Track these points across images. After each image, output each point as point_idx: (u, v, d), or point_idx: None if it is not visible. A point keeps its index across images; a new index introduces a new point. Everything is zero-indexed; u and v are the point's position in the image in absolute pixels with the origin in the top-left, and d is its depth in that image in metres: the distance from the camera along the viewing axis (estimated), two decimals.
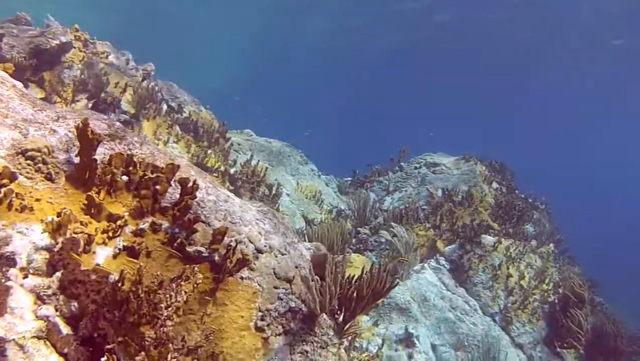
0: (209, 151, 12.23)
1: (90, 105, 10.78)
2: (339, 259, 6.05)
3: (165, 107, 12.60)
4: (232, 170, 11.98)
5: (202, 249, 4.63)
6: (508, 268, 11.56)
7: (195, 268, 4.18)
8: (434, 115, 77.40)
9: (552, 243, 14.84)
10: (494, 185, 15.04)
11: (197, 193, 4.96)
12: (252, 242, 5.06)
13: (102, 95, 10.95)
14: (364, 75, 62.03)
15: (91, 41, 12.36)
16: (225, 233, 4.67)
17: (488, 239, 11.88)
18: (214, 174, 11.10)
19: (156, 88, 12.60)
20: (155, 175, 4.71)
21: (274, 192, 12.05)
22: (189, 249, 4.57)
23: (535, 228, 14.72)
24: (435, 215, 12.78)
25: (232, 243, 4.70)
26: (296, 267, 5.37)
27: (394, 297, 9.99)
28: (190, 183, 4.73)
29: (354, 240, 11.98)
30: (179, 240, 4.52)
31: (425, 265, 11.43)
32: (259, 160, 12.49)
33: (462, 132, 74.39)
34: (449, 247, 11.86)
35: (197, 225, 4.77)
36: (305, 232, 11.45)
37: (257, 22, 46.93)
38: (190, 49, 64.12)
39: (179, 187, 4.76)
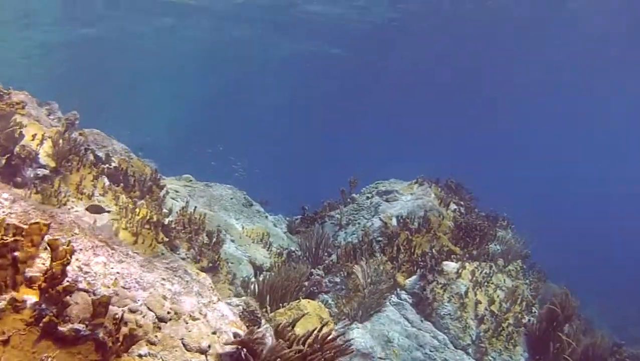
0: (140, 201, 11.19)
1: (3, 161, 9.67)
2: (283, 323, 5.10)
3: (91, 157, 11.56)
4: (167, 220, 10.93)
5: (80, 326, 3.62)
6: (476, 294, 10.73)
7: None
8: (383, 136, 77.34)
9: (520, 259, 14.13)
10: (452, 206, 14.32)
11: (81, 255, 3.95)
12: (151, 310, 4.06)
13: (16, 149, 9.85)
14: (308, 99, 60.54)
15: (5, 92, 11.32)
16: (108, 303, 3.67)
17: (450, 266, 11.06)
18: (146, 226, 10.04)
19: (79, 138, 11.57)
20: (13, 238, 3.70)
21: (214, 239, 11.01)
22: (62, 328, 3.55)
23: (501, 246, 13.93)
24: (392, 246, 11.89)
25: (117, 315, 3.69)
26: (214, 333, 4.38)
27: (353, 343, 8.98)
28: (65, 246, 3.72)
29: (306, 283, 10.99)
30: (46, 318, 3.50)
31: (386, 301, 10.48)
32: (195, 207, 11.45)
33: (416, 152, 74.68)
34: (410, 279, 10.97)
35: (77, 296, 3.76)
36: (253, 281, 10.47)
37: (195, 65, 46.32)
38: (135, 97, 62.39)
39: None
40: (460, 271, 10.85)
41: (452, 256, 11.86)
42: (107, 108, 64.00)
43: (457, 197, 15.42)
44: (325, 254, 12.77)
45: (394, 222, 12.83)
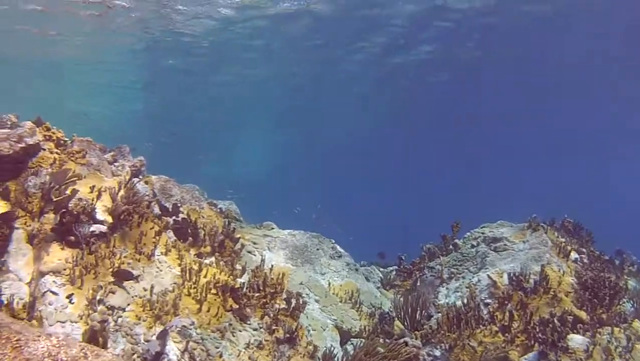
0: (209, 259, 9.92)
1: (57, 218, 8.71)
2: None
3: (156, 209, 10.45)
4: (240, 280, 9.59)
5: None
6: None
7: None
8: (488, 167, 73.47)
9: None
10: (572, 255, 12.17)
11: None
12: None
13: (71, 205, 8.84)
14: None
15: (65, 139, 10.51)
16: None
17: (578, 340, 9.08)
18: (212, 291, 8.72)
19: (142, 188, 10.50)
20: None
21: (293, 304, 9.52)
22: None
23: (633, 302, 11.66)
24: (503, 312, 9.98)
25: None
26: None
27: None
28: None
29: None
30: None
31: None
32: (272, 266, 10.01)
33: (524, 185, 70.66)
34: (526, 357, 9.02)
35: None
36: (336, 355, 8.96)
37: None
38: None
39: None
40: (590, 349, 8.80)
41: (578, 325, 9.79)
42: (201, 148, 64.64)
43: (576, 241, 13.25)
44: (425, 317, 11.01)
45: (505, 279, 10.90)
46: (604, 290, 10.66)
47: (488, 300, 10.67)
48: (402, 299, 11.79)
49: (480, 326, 9.80)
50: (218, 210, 13.99)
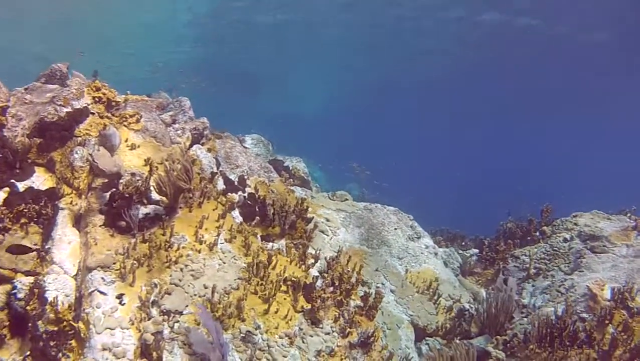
0: (279, 243, 9.10)
1: (106, 199, 7.91)
2: None
3: (220, 184, 9.60)
4: (313, 272, 8.78)
5: None
6: None
7: None
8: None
9: None
10: None
11: None
12: None
13: (121, 184, 8.02)
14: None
15: (118, 100, 9.57)
16: None
17: None
18: (282, 288, 7.94)
19: (205, 158, 9.62)
20: None
21: (371, 301, 8.68)
22: None
23: None
24: (602, 333, 8.93)
25: None
26: None
27: None
28: None
29: None
30: None
31: None
32: (350, 257, 9.12)
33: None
34: None
35: None
36: None
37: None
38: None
39: None
40: None
41: None
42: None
43: None
44: (508, 319, 10.06)
45: (607, 293, 9.78)
46: None
47: (584, 315, 9.63)
48: (483, 294, 10.88)
49: (575, 347, 8.80)
50: (285, 167, 13.14)
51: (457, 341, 9.73)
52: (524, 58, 38.01)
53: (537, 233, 12.62)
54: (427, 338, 9.87)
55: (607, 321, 9.18)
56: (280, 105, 72.10)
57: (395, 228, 11.58)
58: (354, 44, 41.42)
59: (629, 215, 12.48)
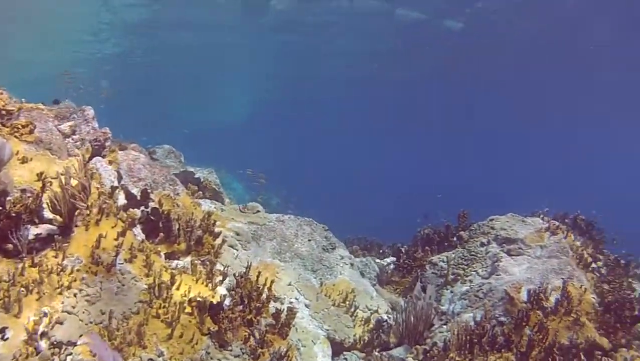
0: (183, 262, 8.56)
1: None
2: None
3: (120, 198, 8.98)
4: (221, 291, 8.29)
5: None
6: None
7: None
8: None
9: None
10: (591, 263, 11.09)
11: None
12: None
13: (10, 201, 7.29)
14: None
15: (9, 109, 8.80)
16: None
17: None
18: (187, 310, 7.41)
19: (102, 171, 9.00)
20: None
21: (283, 318, 8.25)
22: None
23: None
24: (520, 335, 8.84)
25: None
26: None
27: None
28: None
29: None
30: None
31: None
32: (259, 273, 8.67)
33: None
34: None
35: None
36: None
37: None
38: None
39: None
40: None
41: (597, 353, 8.76)
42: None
43: (590, 243, 12.15)
44: (427, 327, 9.88)
45: (524, 295, 9.72)
46: (626, 313, 9.61)
47: (502, 318, 9.54)
48: (401, 303, 10.65)
49: (495, 351, 8.66)
50: (196, 179, 12.63)
51: (376, 353, 9.46)
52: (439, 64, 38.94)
53: (455, 239, 12.55)
54: (344, 353, 9.52)
55: (524, 323, 9.12)
56: (200, 115, 70.95)
57: (309, 240, 11.21)
58: (273, 53, 41.34)
59: (542, 216, 12.60)
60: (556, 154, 71.42)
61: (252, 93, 58.66)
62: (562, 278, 10.13)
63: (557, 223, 11.66)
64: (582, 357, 8.43)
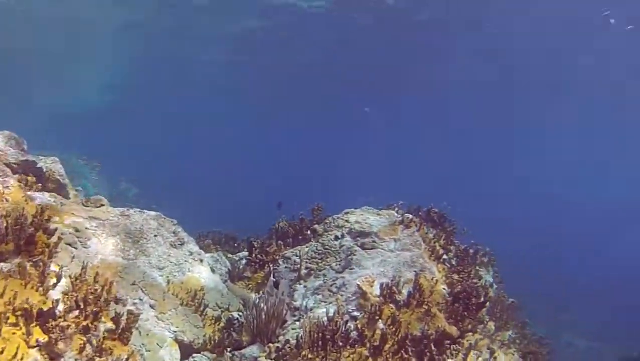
0: (9, 265, 7.65)
1: None
2: None
3: None
4: (54, 295, 7.49)
5: None
6: None
7: None
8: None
9: (507, 312, 11.76)
10: (443, 254, 11.34)
11: None
12: None
13: None
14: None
15: None
16: None
17: None
18: (10, 321, 6.59)
19: None
20: None
21: (124, 323, 7.60)
22: None
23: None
24: (373, 329, 8.78)
25: None
26: None
27: None
28: None
29: None
30: None
31: None
32: (97, 272, 7.94)
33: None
34: None
35: None
36: None
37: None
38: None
39: None
40: None
41: (446, 343, 8.92)
42: None
43: (442, 234, 12.44)
44: (280, 324, 9.59)
45: (376, 289, 9.68)
46: (473, 301, 9.88)
47: (355, 313, 9.42)
48: (254, 299, 10.28)
49: (348, 347, 8.52)
50: (37, 169, 11.48)
51: (228, 353, 9.05)
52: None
53: (309, 232, 12.35)
54: (194, 355, 9.01)
55: (377, 317, 9.07)
56: (57, 99, 65.82)
57: (156, 235, 10.52)
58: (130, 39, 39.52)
59: (396, 209, 12.73)
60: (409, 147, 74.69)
61: (114, 77, 55.46)
62: (415, 271, 10.23)
63: (410, 216, 11.79)
64: (432, 347, 8.45)
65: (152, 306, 9.17)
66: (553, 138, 60.84)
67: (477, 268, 13.11)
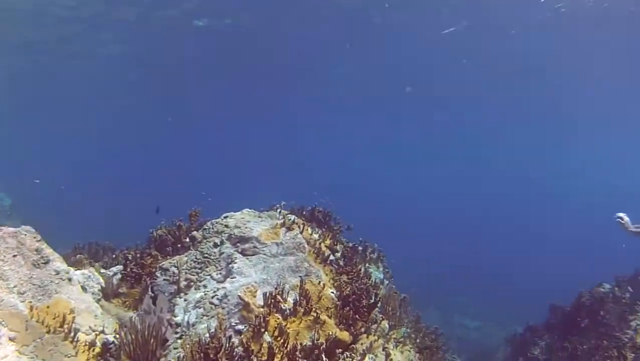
0: None
1: None
2: None
3: None
4: None
5: None
6: None
7: None
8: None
9: (399, 308, 11.76)
10: (329, 256, 11.08)
11: None
12: None
13: None
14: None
15: None
16: None
17: None
18: None
19: None
20: None
21: None
22: None
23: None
24: (259, 342, 8.37)
25: None
26: None
27: None
28: None
29: None
30: None
31: None
32: None
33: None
34: None
35: None
36: None
37: None
38: None
39: None
40: None
41: (338, 351, 8.67)
42: None
43: (329, 234, 12.22)
44: (161, 344, 8.98)
45: (259, 298, 9.26)
46: (364, 303, 9.70)
47: (240, 326, 8.96)
48: (131, 319, 9.61)
49: None
50: None
51: None
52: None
53: (187, 240, 11.73)
54: None
55: (262, 330, 8.64)
56: None
57: (15, 255, 9.55)
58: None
59: (279, 210, 12.34)
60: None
61: None
62: (300, 276, 9.91)
63: (292, 218, 11.45)
64: (324, 357, 8.16)
65: (11, 339, 8.30)
66: None
67: (367, 265, 13.02)
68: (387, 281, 13.41)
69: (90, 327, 9.36)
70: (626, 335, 14.52)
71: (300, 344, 8.49)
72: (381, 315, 11.10)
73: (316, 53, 37.32)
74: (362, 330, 9.47)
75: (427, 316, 14.96)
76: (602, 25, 28.72)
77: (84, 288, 10.27)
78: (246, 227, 11.13)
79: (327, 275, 10.57)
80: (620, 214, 10.00)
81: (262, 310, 9.05)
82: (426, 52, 35.57)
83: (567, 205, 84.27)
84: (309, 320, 9.00)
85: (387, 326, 10.91)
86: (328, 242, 11.81)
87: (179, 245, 11.90)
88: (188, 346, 8.34)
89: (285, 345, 8.46)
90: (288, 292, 9.41)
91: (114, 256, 14.20)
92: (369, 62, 38.94)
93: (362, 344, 9.36)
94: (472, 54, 35.45)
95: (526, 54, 34.15)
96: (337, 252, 11.84)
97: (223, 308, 9.37)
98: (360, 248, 13.24)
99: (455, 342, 26.50)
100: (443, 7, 29.34)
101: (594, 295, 16.67)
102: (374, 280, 11.94)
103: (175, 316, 9.83)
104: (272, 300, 9.10)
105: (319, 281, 9.94)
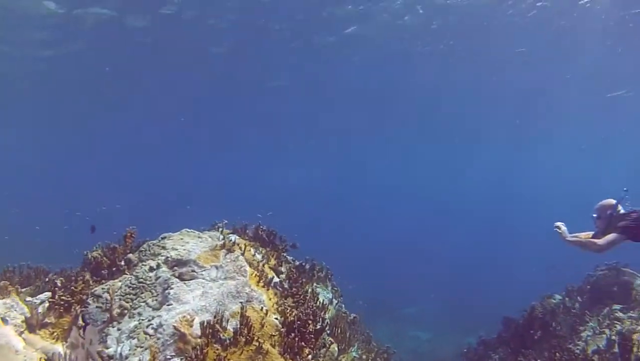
0: None
1: None
2: None
3: None
4: None
5: None
6: None
7: None
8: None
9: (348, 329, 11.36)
10: (273, 278, 10.56)
11: None
12: None
13: None
14: None
15: None
16: None
17: None
18: None
19: None
20: None
21: None
22: None
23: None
24: None
25: None
26: None
27: None
28: None
29: None
30: None
31: None
32: None
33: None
34: None
35: None
36: None
37: None
38: None
39: None
40: None
41: None
42: None
43: (273, 253, 11.72)
44: None
45: (196, 328, 8.65)
46: (310, 328, 9.20)
47: (175, 360, 8.34)
48: (59, 351, 8.91)
49: None
50: None
51: None
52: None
53: (123, 264, 11.03)
54: None
55: None
56: None
57: None
58: None
59: (220, 230, 11.75)
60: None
61: None
62: (241, 302, 9.35)
63: (232, 239, 10.89)
64: None
65: None
66: None
67: (315, 285, 12.56)
68: (337, 301, 12.98)
69: None
70: (577, 346, 14.40)
71: None
72: (330, 338, 10.64)
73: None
74: (309, 357, 8.98)
75: (378, 329, 14.58)
76: None
77: (4, 320, 9.51)
78: (184, 249, 10.51)
79: (270, 299, 10.04)
80: (558, 223, 9.83)
81: (199, 340, 8.46)
82: None
83: (522, 213, 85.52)
84: (251, 350, 8.44)
85: (336, 350, 10.46)
86: (272, 262, 11.30)
87: (114, 269, 11.20)
88: None
89: None
90: (228, 320, 8.83)
91: (47, 280, 13.35)
92: None
93: None
94: None
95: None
96: (282, 273, 11.33)
97: (158, 338, 8.73)
98: (307, 266, 12.78)
99: (408, 355, 26.37)
100: None
101: (545, 306, 16.60)
102: (321, 301, 11.49)
103: (107, 348, 9.13)
104: (211, 330, 8.52)
105: (262, 307, 9.40)
